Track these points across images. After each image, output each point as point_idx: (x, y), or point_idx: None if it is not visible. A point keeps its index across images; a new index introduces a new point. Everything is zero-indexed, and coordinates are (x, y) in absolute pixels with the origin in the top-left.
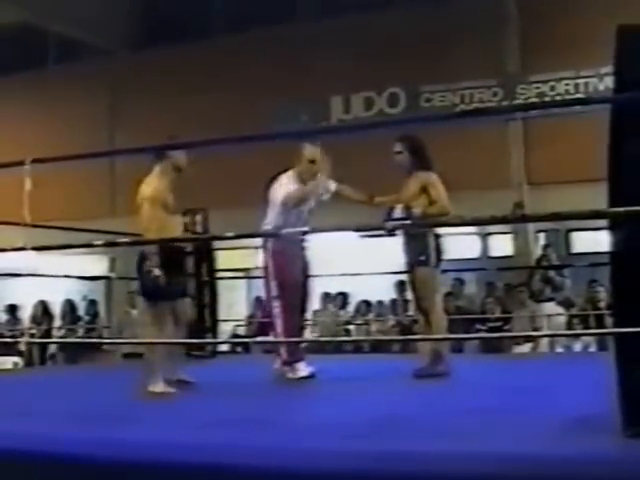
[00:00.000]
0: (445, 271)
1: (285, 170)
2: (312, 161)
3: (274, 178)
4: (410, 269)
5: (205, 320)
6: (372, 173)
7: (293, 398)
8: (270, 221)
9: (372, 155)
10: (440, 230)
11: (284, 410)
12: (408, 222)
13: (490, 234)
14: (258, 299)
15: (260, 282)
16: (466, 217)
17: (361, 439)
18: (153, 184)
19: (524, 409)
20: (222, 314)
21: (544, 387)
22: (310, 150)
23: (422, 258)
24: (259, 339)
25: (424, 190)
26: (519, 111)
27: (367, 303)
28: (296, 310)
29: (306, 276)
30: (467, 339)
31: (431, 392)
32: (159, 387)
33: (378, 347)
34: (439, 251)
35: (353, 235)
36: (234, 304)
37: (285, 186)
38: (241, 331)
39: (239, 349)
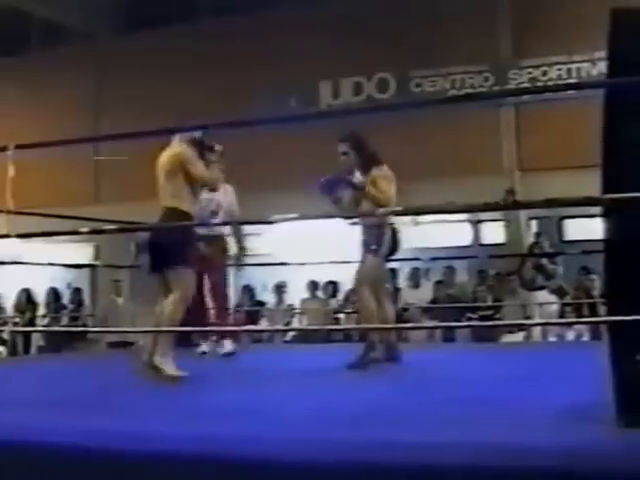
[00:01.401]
0: (436, 259)
1: None
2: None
3: None
4: (362, 260)
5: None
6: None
7: (277, 388)
8: None
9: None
10: (397, 221)
11: (269, 400)
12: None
13: (481, 221)
14: (247, 287)
15: (249, 270)
16: (457, 204)
17: (349, 428)
18: None
19: (516, 398)
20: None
21: (537, 376)
22: (217, 147)
23: (373, 247)
24: (247, 328)
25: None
26: (511, 96)
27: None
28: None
29: (205, 268)
30: (457, 327)
31: (422, 382)
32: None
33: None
34: (394, 242)
35: (343, 222)
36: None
37: None
38: None
39: None
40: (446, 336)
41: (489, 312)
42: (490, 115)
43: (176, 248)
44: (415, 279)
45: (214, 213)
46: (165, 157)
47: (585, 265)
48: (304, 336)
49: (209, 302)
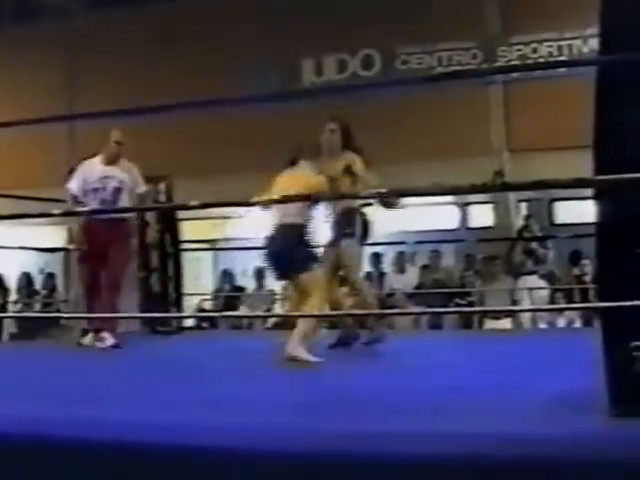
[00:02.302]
0: (422, 242)
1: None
2: (117, 142)
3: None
4: (333, 244)
5: (169, 294)
6: None
7: (261, 376)
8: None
9: None
10: (367, 210)
11: (251, 389)
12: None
13: (469, 204)
14: (225, 272)
15: (227, 254)
16: (444, 185)
17: (333, 418)
18: None
19: (506, 387)
20: (187, 287)
21: (527, 364)
22: (116, 133)
23: (348, 231)
24: (227, 313)
25: (348, 171)
26: (500, 74)
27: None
28: (93, 288)
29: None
30: (444, 313)
31: (408, 370)
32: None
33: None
34: (365, 229)
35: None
36: (200, 277)
37: (78, 170)
38: (207, 305)
39: (205, 324)
40: (433, 322)
41: (477, 298)
42: (478, 94)
43: (303, 253)
44: (400, 264)
45: (118, 191)
46: None
47: (576, 249)
48: (286, 323)
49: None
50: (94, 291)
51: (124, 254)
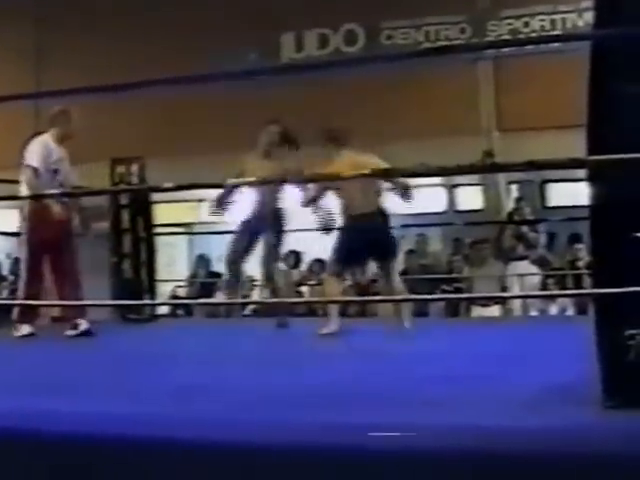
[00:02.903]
0: (407, 226)
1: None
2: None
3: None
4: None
5: (142, 280)
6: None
7: (240, 365)
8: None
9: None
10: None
11: (230, 378)
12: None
13: (457, 186)
14: (201, 257)
15: (203, 238)
16: (430, 166)
17: (313, 411)
18: None
19: (496, 377)
20: (161, 273)
21: (517, 353)
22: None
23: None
24: (202, 301)
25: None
26: (489, 49)
27: (321, 262)
28: (40, 275)
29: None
30: (431, 300)
31: (393, 360)
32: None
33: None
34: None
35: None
36: (174, 262)
37: (35, 146)
38: (182, 292)
39: (180, 312)
40: (418, 310)
41: (465, 284)
42: (467, 70)
43: (394, 239)
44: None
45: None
46: None
47: (570, 233)
48: (264, 310)
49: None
50: (40, 279)
51: (74, 241)
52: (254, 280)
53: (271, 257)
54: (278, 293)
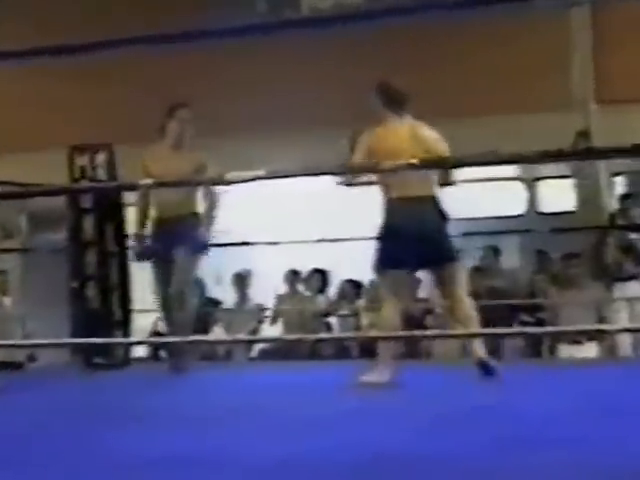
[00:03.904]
0: (472, 234)
1: None
2: None
3: None
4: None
5: (112, 310)
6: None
7: (239, 428)
8: None
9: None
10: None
11: (232, 443)
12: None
13: (540, 179)
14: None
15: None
16: (504, 153)
17: None
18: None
19: (590, 441)
20: (137, 301)
21: (622, 409)
22: None
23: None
24: (192, 338)
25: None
26: None
27: (356, 284)
28: None
29: None
30: (506, 336)
31: (452, 416)
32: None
33: (372, 349)
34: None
35: (327, 183)
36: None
37: None
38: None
39: (163, 353)
40: (489, 348)
41: (550, 313)
42: (555, 21)
43: (450, 240)
44: None
45: None
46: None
47: None
48: (279, 350)
49: None
50: None
51: None
52: (264, 309)
53: (182, 282)
54: (186, 326)
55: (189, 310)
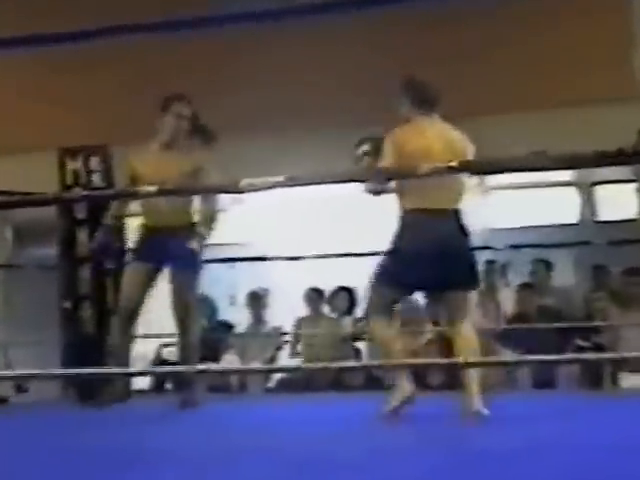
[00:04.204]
0: (520, 247)
1: None
2: None
3: None
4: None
5: (110, 335)
6: None
7: (260, 469)
8: None
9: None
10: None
11: None
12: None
13: (598, 184)
14: (202, 299)
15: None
16: (553, 155)
17: None
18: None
19: None
20: (139, 325)
21: None
22: None
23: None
24: (201, 367)
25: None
26: None
27: None
28: None
29: None
30: (560, 363)
31: (497, 456)
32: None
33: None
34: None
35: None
36: (159, 307)
37: None
38: (172, 354)
39: (169, 385)
40: (541, 377)
41: (611, 337)
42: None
43: (474, 262)
44: (486, 281)
45: None
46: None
47: None
48: (300, 380)
49: None
50: None
51: None
52: (283, 333)
53: (184, 305)
54: (193, 354)
55: (195, 335)
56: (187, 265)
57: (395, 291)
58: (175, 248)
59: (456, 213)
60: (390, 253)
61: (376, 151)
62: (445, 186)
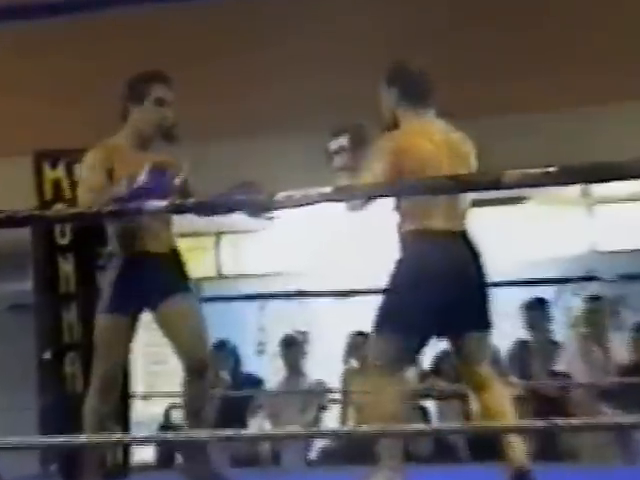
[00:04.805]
0: (628, 277)
1: None
2: None
3: None
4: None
5: None
6: None
7: None
8: None
9: None
10: None
11: None
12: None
13: None
14: (221, 345)
15: (224, 308)
16: (605, 162)
17: None
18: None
19: None
20: (140, 381)
21: None
22: None
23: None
24: (221, 433)
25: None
26: None
27: None
28: None
29: None
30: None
31: None
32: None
33: (489, 447)
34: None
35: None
36: (165, 359)
37: None
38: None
39: (179, 457)
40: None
41: None
42: None
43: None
44: (590, 322)
45: None
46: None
47: None
48: (349, 449)
49: None
50: None
51: None
52: (327, 390)
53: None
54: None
55: (206, 391)
56: (184, 301)
57: (411, 337)
58: (161, 280)
59: (465, 234)
60: (396, 287)
61: (356, 144)
62: (454, 203)
